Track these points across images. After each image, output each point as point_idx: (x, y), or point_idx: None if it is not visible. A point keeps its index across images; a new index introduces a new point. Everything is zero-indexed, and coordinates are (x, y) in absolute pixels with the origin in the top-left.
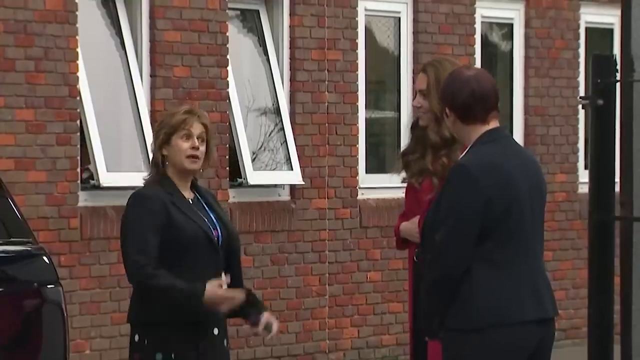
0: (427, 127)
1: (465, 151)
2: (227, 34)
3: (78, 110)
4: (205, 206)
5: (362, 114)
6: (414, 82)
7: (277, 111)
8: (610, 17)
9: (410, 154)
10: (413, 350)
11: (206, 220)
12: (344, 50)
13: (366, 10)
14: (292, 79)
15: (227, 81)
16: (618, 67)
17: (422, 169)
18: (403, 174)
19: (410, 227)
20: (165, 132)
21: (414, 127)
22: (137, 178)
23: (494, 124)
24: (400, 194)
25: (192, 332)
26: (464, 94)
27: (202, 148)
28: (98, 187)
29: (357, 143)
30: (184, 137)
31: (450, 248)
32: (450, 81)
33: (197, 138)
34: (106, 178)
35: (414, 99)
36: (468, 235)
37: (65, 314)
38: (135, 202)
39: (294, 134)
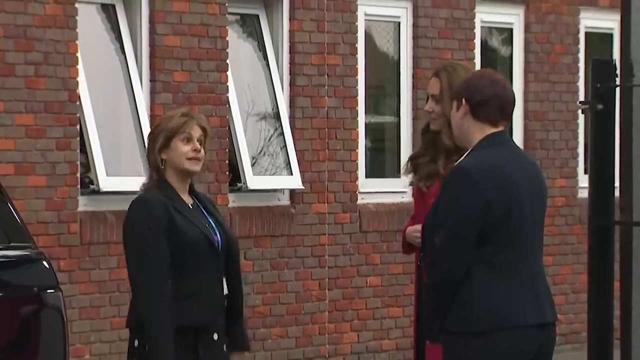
0: (440, 131)
1: (466, 154)
2: (226, 38)
3: (78, 115)
4: (204, 211)
5: (361, 119)
6: (413, 86)
7: (277, 116)
8: (610, 22)
9: (420, 157)
10: (416, 355)
11: (206, 225)
12: (343, 55)
13: (366, 15)
14: (292, 84)
15: (227, 86)
16: (618, 72)
17: (431, 172)
18: (411, 177)
19: (414, 230)
20: (164, 135)
21: (425, 131)
22: (137, 183)
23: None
24: (400, 198)
25: (192, 337)
26: (489, 91)
27: (203, 151)
28: (98, 191)
29: (357, 148)
30: (184, 140)
31: (450, 250)
32: (478, 77)
33: (197, 141)
34: (106, 183)
35: (426, 103)
36: (467, 238)
37: (64, 319)
38: (139, 207)
39: (293, 139)
